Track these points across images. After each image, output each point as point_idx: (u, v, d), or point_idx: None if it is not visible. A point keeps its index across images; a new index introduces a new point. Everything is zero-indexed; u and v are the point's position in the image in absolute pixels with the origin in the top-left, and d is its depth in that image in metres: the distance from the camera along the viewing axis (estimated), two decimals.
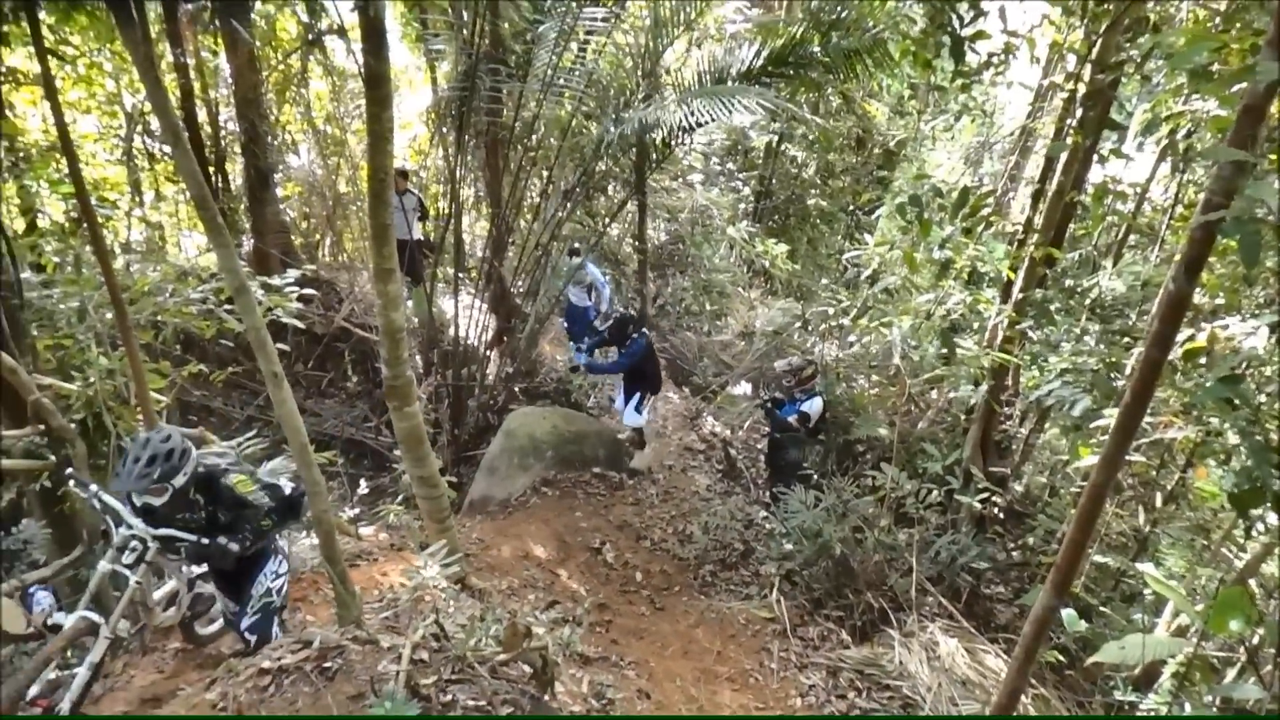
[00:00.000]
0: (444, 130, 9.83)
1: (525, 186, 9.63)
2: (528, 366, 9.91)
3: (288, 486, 4.04)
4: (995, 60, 5.38)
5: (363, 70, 4.44)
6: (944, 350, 6.10)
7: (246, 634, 4.02)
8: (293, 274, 6.43)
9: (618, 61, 9.95)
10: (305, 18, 11.31)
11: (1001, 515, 6.98)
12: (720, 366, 12.01)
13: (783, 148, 15.05)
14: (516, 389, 9.64)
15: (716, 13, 12.87)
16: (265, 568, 4.09)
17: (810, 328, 10.43)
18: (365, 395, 10.91)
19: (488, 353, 9.76)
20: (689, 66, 12.53)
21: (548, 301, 9.62)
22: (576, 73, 8.42)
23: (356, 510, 8.05)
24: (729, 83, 7.99)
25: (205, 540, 3.83)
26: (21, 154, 9.12)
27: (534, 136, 9.37)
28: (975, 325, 6.87)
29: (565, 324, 10.32)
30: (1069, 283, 6.58)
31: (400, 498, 7.89)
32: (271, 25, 11.91)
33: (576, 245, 9.79)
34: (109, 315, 5.02)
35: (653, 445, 8.89)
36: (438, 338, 9.74)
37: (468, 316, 9.47)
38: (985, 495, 6.25)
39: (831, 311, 9.17)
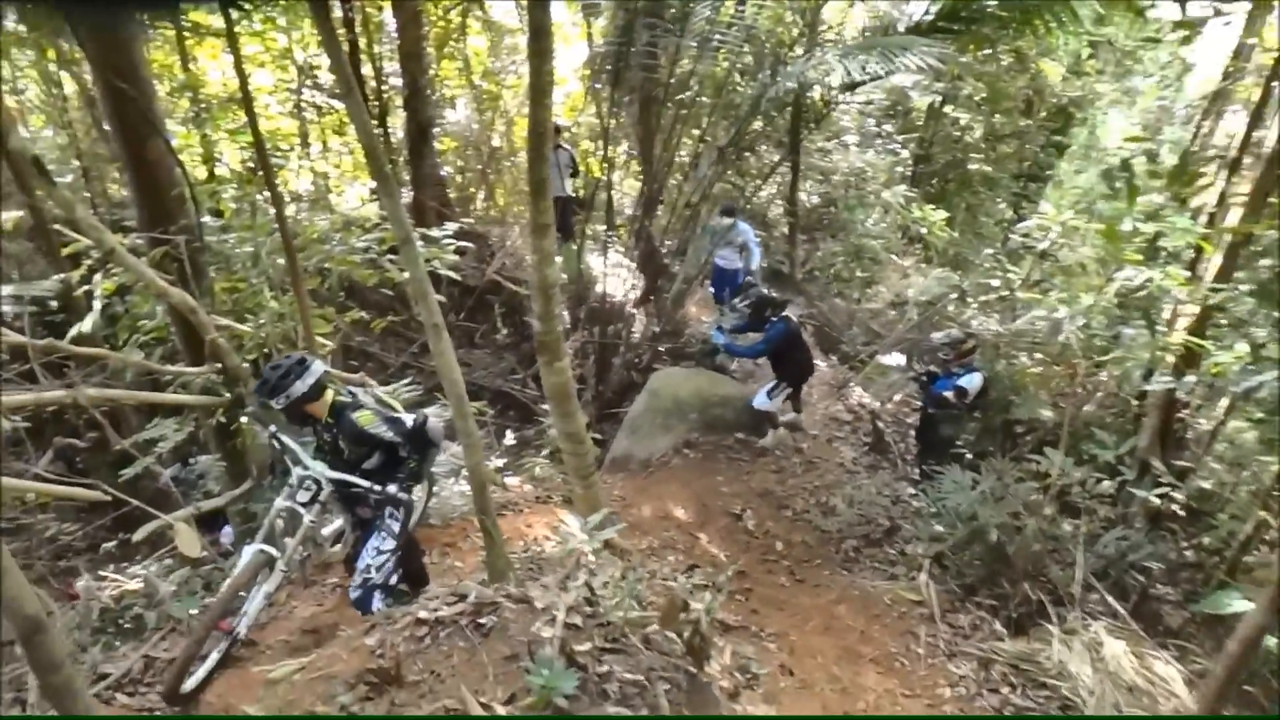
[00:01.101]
0: (598, 87, 9.78)
1: (677, 145, 9.48)
2: (673, 327, 9.82)
3: (408, 419, 4.04)
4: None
5: (525, 21, 4.38)
6: (1118, 331, 5.63)
7: (352, 604, 4.09)
8: (451, 227, 6.54)
9: (778, 16, 9.63)
10: None
11: (1179, 512, 6.45)
12: (870, 335, 11.61)
13: (945, 109, 14.32)
14: (661, 349, 9.59)
15: None
16: (369, 542, 4.11)
17: (969, 299, 9.92)
18: (514, 348, 11.10)
19: (634, 311, 9.72)
20: (851, 21, 12.05)
21: (696, 262, 9.48)
22: (735, 28, 8.17)
23: (503, 461, 8.19)
24: (894, 38, 7.58)
25: (374, 487, 3.93)
26: (203, 105, 9.65)
27: (688, 94, 9.20)
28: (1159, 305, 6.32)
29: (712, 288, 10.03)
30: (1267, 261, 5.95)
31: (545, 451, 7.97)
32: None
33: (730, 204, 9.47)
34: (280, 261, 5.19)
35: (782, 431, 8.58)
36: (586, 294, 9.77)
37: (615, 274, 9.44)
38: (1164, 490, 5.76)
39: (996, 284, 8.68)
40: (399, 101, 11.67)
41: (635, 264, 9.64)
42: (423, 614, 2.55)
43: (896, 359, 10.53)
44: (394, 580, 4.00)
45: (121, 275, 5.00)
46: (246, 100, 4.37)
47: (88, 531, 5.78)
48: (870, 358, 10.54)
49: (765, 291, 8.09)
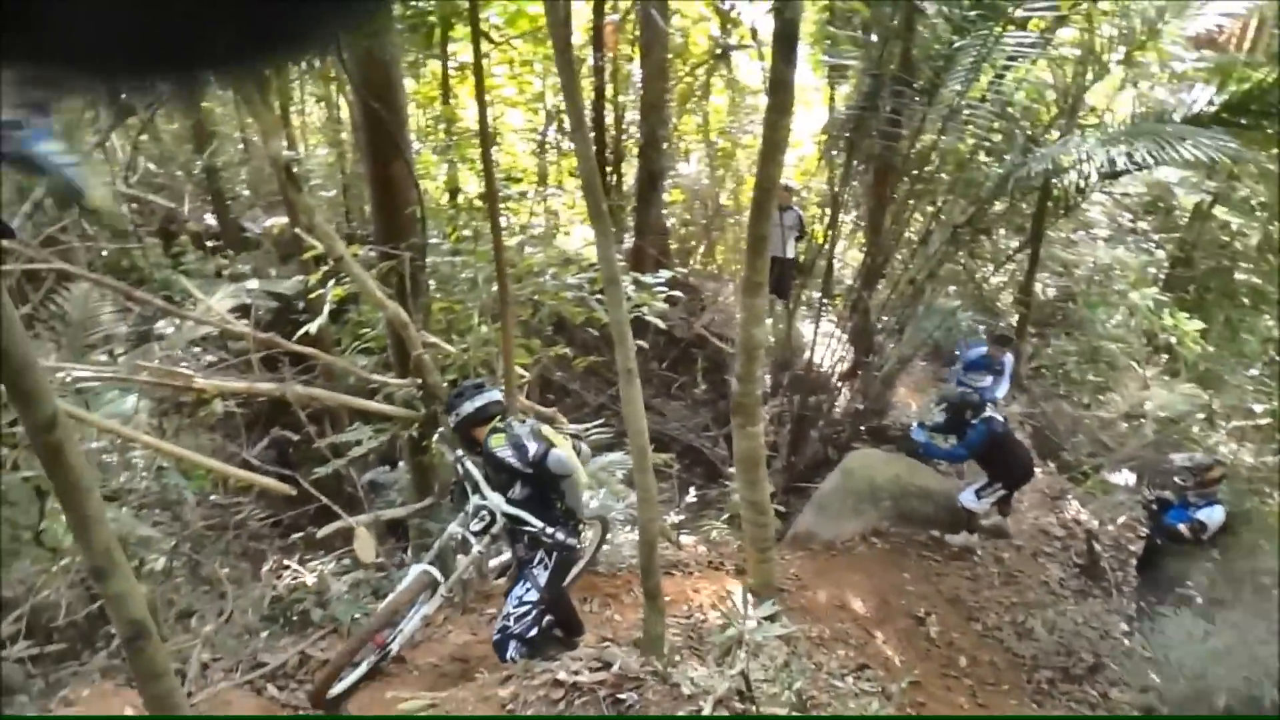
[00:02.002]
0: (833, 152, 9.57)
1: (908, 219, 9.08)
2: (879, 407, 9.34)
3: (532, 447, 3.91)
4: None
5: (768, 74, 4.28)
6: None
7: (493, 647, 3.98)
8: (664, 274, 6.50)
9: (1036, 93, 9.08)
10: (717, 31, 11.61)
11: None
12: (1097, 447, 10.56)
13: (1215, 210, 13.01)
14: (863, 428, 9.13)
15: (1162, 46, 11.36)
16: (514, 590, 4.02)
17: (1219, 422, 8.82)
18: (710, 405, 10.95)
19: (839, 385, 9.34)
20: (1119, 106, 11.22)
21: (913, 342, 8.99)
22: (987, 102, 7.74)
23: (681, 518, 8.02)
24: (1167, 126, 6.91)
25: (547, 528, 3.86)
26: (455, 137, 10.26)
27: (927, 168, 8.81)
28: None
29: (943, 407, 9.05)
30: None
31: (726, 515, 7.72)
32: (685, 37, 12.38)
33: (1006, 332, 8.73)
34: (494, 289, 5.30)
35: (977, 536, 7.85)
36: (791, 361, 9.49)
37: (825, 344, 9.11)
38: None
39: (1258, 409, 7.68)
40: (635, 150, 11.96)
41: (847, 336, 9.27)
42: (562, 675, 2.39)
43: (1125, 477, 9.51)
44: (533, 633, 3.87)
45: (351, 284, 5.27)
46: (482, 131, 4.50)
47: (281, 520, 6.10)
48: (1095, 471, 9.58)
49: (964, 393, 7.54)
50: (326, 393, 4.82)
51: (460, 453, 4.11)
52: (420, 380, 4.79)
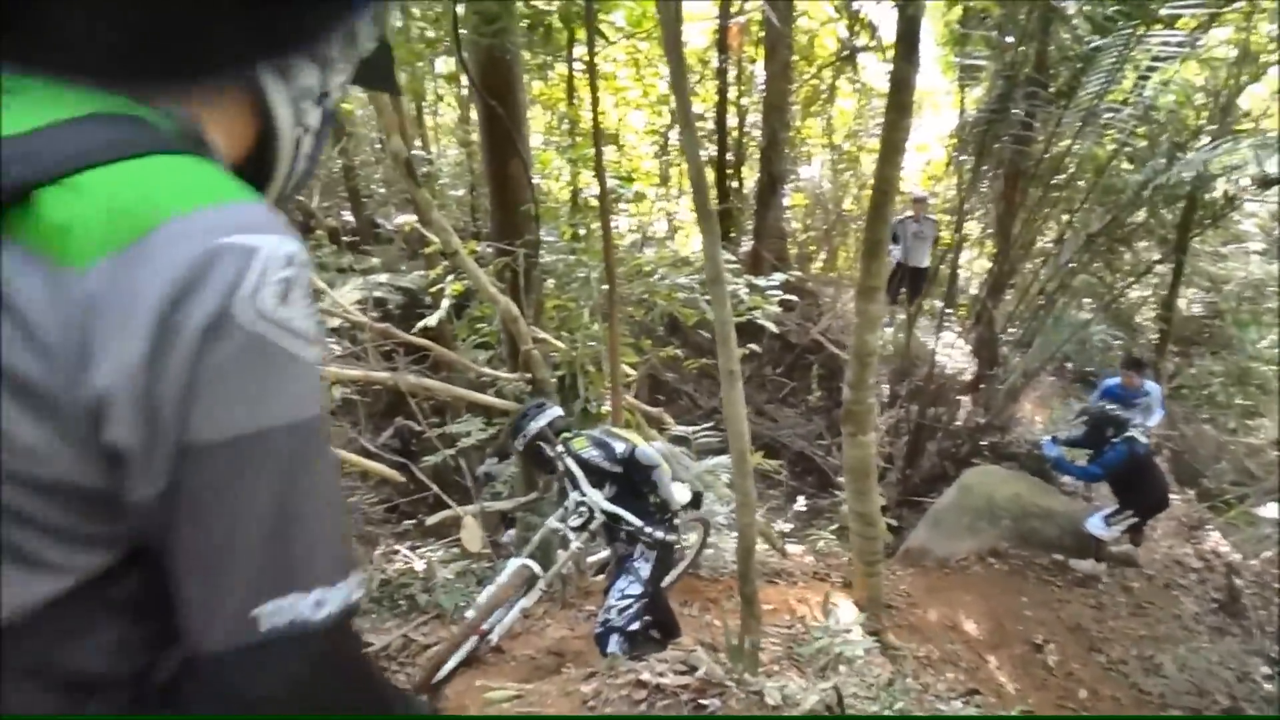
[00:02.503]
0: (962, 157, 9.26)
1: (1040, 227, 8.69)
2: (1001, 422, 8.97)
3: (618, 445, 3.89)
4: None
5: (890, 73, 4.17)
6: None
7: (595, 640, 3.96)
8: (778, 277, 6.42)
9: (1185, 97, 8.55)
10: (844, 33, 11.39)
11: None
12: (1242, 475, 9.86)
13: None
14: (983, 443, 8.78)
15: None
16: (616, 583, 3.98)
17: None
18: (824, 412, 10.74)
19: (960, 397, 9.01)
20: (1276, 110, 10.45)
21: (1040, 355, 8.59)
22: (1129, 105, 7.32)
23: (789, 525, 7.88)
24: None
25: (645, 526, 3.85)
26: (579, 137, 10.40)
27: (1061, 174, 8.41)
28: None
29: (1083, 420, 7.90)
30: None
31: (835, 526, 7.56)
32: (811, 40, 12.20)
33: (1140, 356, 8.14)
34: (605, 287, 5.34)
35: (1104, 566, 7.39)
36: (912, 370, 9.22)
37: (948, 355, 8.82)
38: None
39: None
40: (757, 153, 11.86)
41: (970, 346, 8.94)
42: (646, 676, 2.36)
43: (1274, 510, 8.83)
44: (635, 626, 3.85)
45: (468, 278, 5.40)
46: (595, 132, 4.53)
47: (397, 506, 6.30)
48: (1239, 502, 8.93)
49: (1108, 409, 7.07)
50: (437, 383, 4.94)
51: (560, 448, 4.13)
52: (530, 375, 4.86)
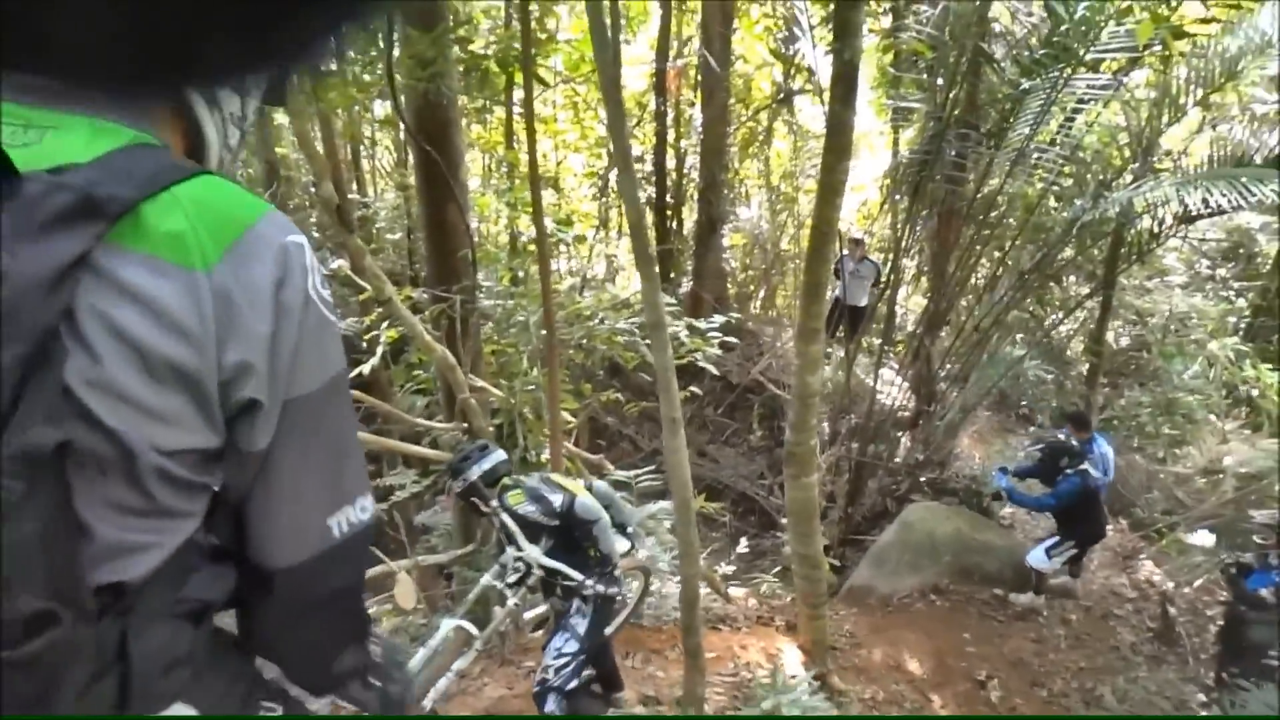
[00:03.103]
0: (897, 197, 9.42)
1: (974, 265, 8.83)
2: (940, 458, 9.04)
3: (556, 498, 3.75)
4: None
5: (827, 117, 4.19)
6: None
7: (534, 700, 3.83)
8: (718, 319, 6.40)
9: (1109, 137, 8.81)
10: (779, 77, 11.58)
11: None
12: (1172, 504, 10.05)
13: None
14: (923, 479, 8.83)
15: (1242, 88, 10.96)
16: (552, 641, 3.86)
17: None
18: (766, 452, 10.73)
19: (900, 434, 9.07)
20: (1196, 149, 10.85)
21: (976, 391, 8.70)
22: (1057, 146, 7.52)
23: (732, 568, 7.81)
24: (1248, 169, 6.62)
25: (586, 580, 3.72)
26: (518, 180, 10.34)
27: (993, 213, 8.58)
28: None
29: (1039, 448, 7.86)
30: None
31: (778, 568, 7.51)
32: (748, 83, 12.38)
33: (1081, 414, 7.96)
34: (544, 332, 5.26)
35: (1043, 599, 7.43)
36: (851, 408, 9.27)
37: (887, 392, 8.87)
38: None
39: None
40: (696, 194, 11.94)
41: (908, 384, 9.02)
42: None
43: (1204, 538, 9.00)
44: (573, 685, 3.72)
45: (402, 325, 5.26)
46: (532, 173, 4.46)
47: None
48: (1170, 530, 9.10)
49: (1064, 439, 7.13)
50: (369, 436, 4.78)
51: (495, 504, 4.00)
52: (466, 424, 4.73)
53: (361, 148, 13.80)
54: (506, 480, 3.86)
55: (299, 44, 0.89)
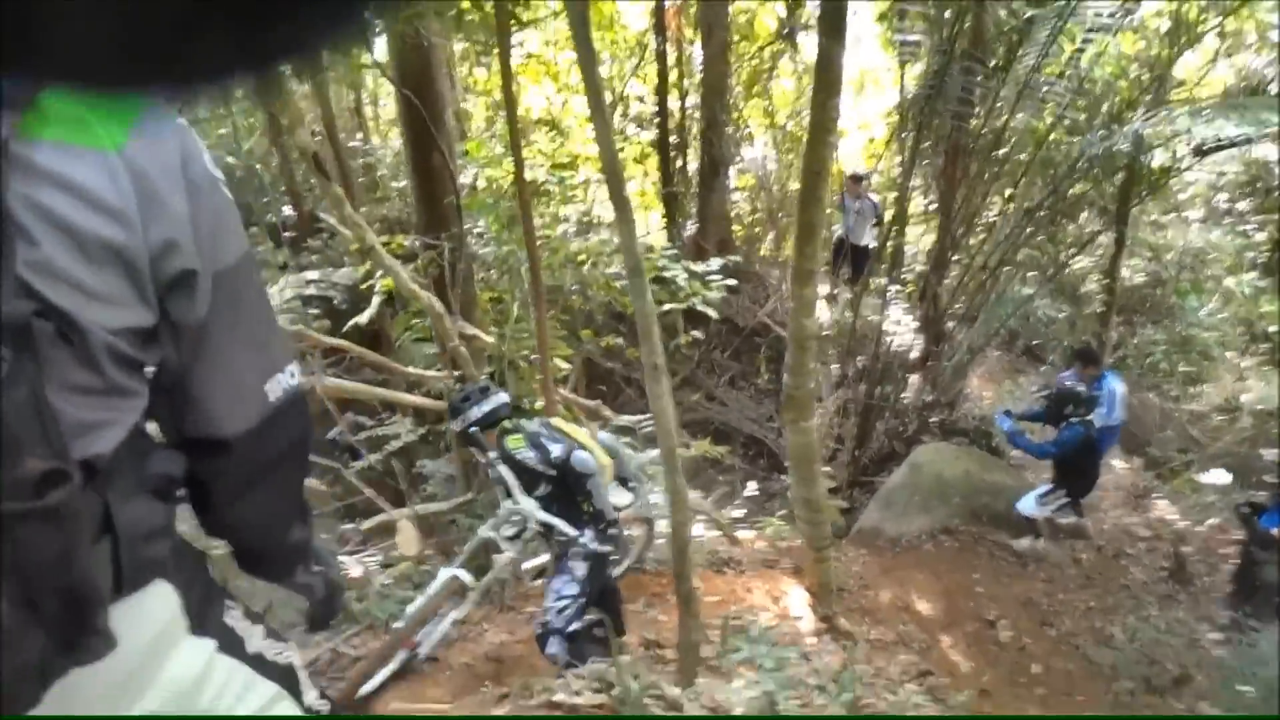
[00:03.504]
0: (903, 134, 9.21)
1: (982, 202, 8.66)
2: (949, 398, 8.97)
3: (555, 448, 3.72)
4: None
5: (816, 53, 4.06)
6: None
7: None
8: (716, 263, 6.32)
9: (1120, 69, 8.56)
10: (783, 12, 11.28)
11: None
12: (1187, 442, 9.97)
13: None
14: (931, 420, 8.77)
15: (1259, 17, 10.58)
16: (551, 584, 3.84)
17: None
18: (773, 394, 10.67)
19: (908, 375, 8.99)
20: (1210, 81, 10.53)
21: (985, 331, 8.58)
22: (1066, 78, 7.30)
23: (741, 512, 7.80)
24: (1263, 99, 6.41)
25: (574, 535, 3.71)
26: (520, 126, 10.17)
27: (1001, 148, 8.38)
28: None
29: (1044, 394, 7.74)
30: None
31: (784, 511, 7.49)
32: (750, 20, 12.08)
33: (1090, 350, 7.89)
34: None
35: (1043, 543, 7.36)
36: (858, 350, 9.19)
37: (894, 333, 8.78)
38: None
39: None
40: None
41: (917, 324, 8.91)
42: (560, 695, 2.24)
43: (1218, 476, 8.92)
44: (574, 627, 3.72)
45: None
46: (510, 115, 4.36)
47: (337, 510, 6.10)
48: (1184, 469, 9.03)
49: (1071, 386, 6.95)
50: (359, 385, 4.77)
51: (493, 455, 3.98)
52: (458, 372, 4.70)
53: (363, 94, 13.63)
54: (506, 424, 3.82)
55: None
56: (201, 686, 0.98)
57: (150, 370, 0.91)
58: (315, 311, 7.19)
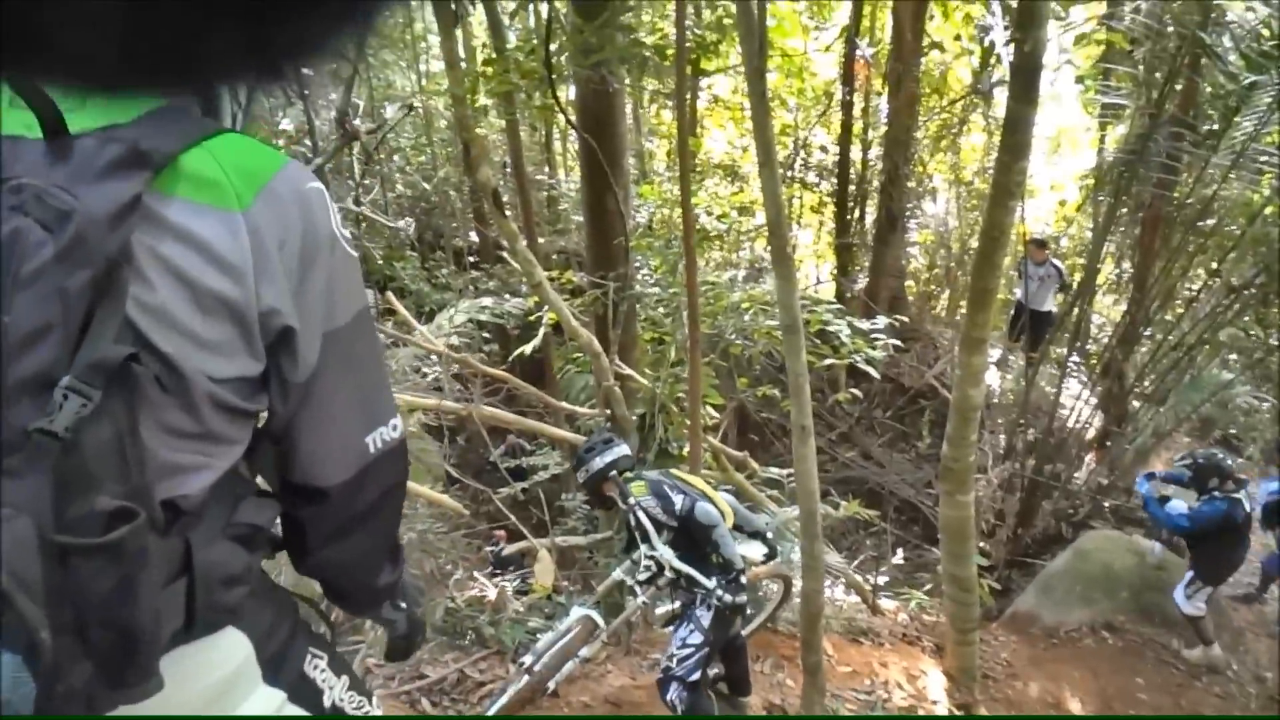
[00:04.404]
0: (1099, 198, 8.70)
1: (1183, 275, 8.04)
2: (1127, 484, 8.32)
3: (678, 500, 3.64)
4: None
5: (1005, 112, 3.91)
6: None
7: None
8: (881, 321, 6.14)
9: None
10: (978, 66, 10.95)
11: None
12: None
13: None
14: (1106, 504, 8.17)
15: None
16: (677, 632, 3.77)
17: None
18: (934, 460, 10.21)
19: (1082, 454, 8.42)
20: None
21: (1175, 415, 7.94)
22: None
23: (885, 579, 7.49)
24: None
25: (711, 587, 3.66)
26: (697, 169, 10.31)
27: (1207, 220, 7.76)
28: None
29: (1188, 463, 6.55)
30: None
31: (932, 585, 7.15)
32: (943, 74, 11.80)
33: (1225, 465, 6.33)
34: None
35: (1215, 650, 6.57)
36: (1030, 422, 8.69)
37: (1072, 408, 8.25)
38: None
39: None
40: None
41: (1097, 401, 8.35)
42: None
43: None
44: (695, 677, 3.66)
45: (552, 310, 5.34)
46: (682, 161, 4.40)
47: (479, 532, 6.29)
48: None
49: (1221, 457, 6.20)
50: (511, 415, 4.91)
51: (632, 500, 3.99)
52: (609, 411, 4.76)
53: (555, 130, 14.16)
54: (628, 474, 3.83)
55: (299, 41, 0.96)
56: None
57: (260, 414, 0.97)
58: (487, 335, 7.47)
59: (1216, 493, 5.96)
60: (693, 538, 3.69)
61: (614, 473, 3.81)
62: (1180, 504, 6.19)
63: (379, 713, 1.22)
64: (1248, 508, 6.02)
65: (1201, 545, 6.18)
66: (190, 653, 0.93)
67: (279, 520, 1.07)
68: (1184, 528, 6.15)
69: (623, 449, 3.85)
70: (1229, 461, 6.22)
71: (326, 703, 1.12)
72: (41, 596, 0.73)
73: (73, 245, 0.77)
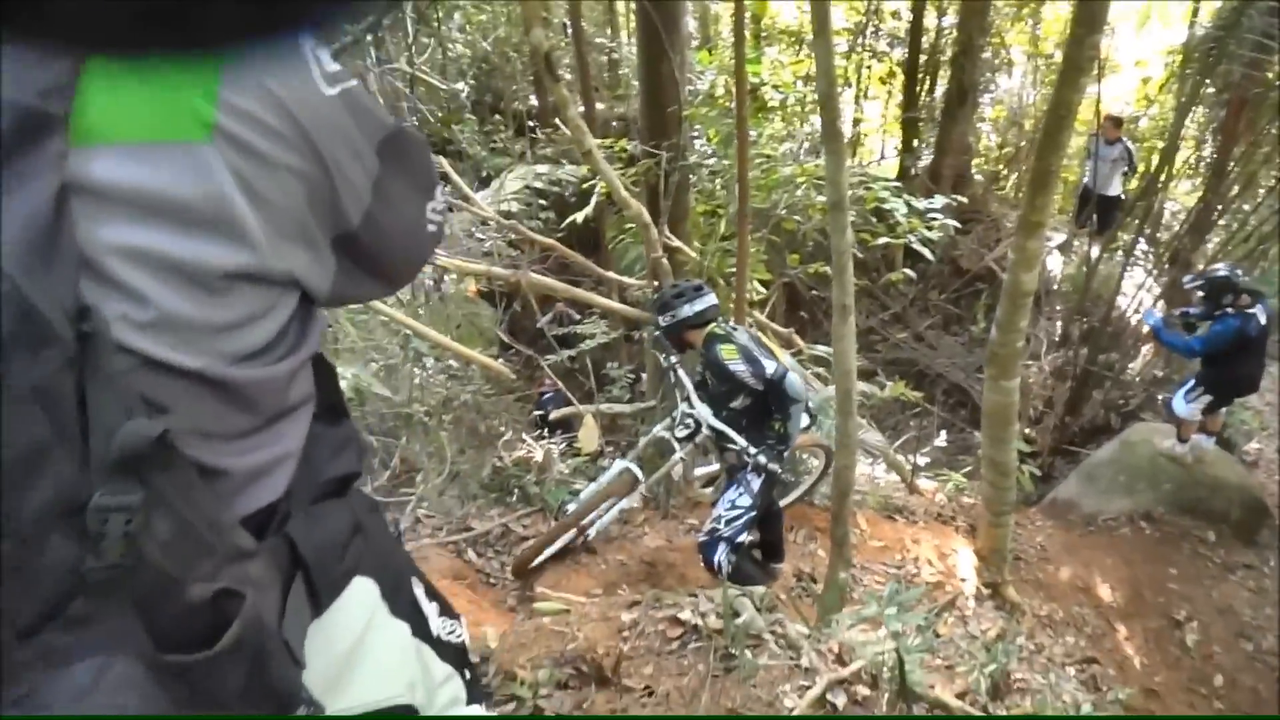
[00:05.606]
0: (1185, 75, 8.21)
1: (1264, 163, 7.63)
2: (1184, 378, 8.18)
3: (769, 365, 3.59)
4: None
5: None
6: None
7: (698, 548, 3.89)
8: (939, 200, 5.99)
9: None
10: None
11: None
12: None
13: None
14: (1160, 398, 8.06)
15: None
16: (727, 493, 3.85)
17: None
18: (986, 344, 10.16)
19: (1139, 345, 8.26)
20: None
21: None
22: None
23: (926, 460, 7.56)
24: None
25: (750, 448, 3.72)
26: (764, 35, 9.92)
27: None
28: None
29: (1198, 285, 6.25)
30: None
31: (972, 468, 7.21)
32: None
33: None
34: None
35: (1190, 447, 6.59)
36: (1089, 309, 8.50)
37: (1133, 296, 8.04)
38: None
39: None
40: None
41: (1161, 291, 8.12)
42: (686, 614, 2.32)
43: None
44: (742, 538, 3.80)
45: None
46: (738, 25, 4.26)
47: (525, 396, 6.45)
48: None
49: (1229, 274, 5.92)
50: (559, 283, 4.95)
51: (674, 359, 4.06)
52: (656, 282, 4.79)
53: None
54: (717, 329, 3.79)
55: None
56: (399, 671, 0.98)
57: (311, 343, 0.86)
58: (543, 203, 7.45)
59: (1230, 309, 5.82)
60: (765, 405, 3.72)
61: (694, 323, 3.82)
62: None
63: (466, 635, 1.18)
64: (1263, 321, 5.83)
65: (1211, 362, 6.13)
66: (327, 619, 0.88)
67: None
68: (1196, 351, 6.10)
69: (712, 298, 3.85)
70: (1242, 276, 6.02)
71: (432, 630, 1.07)
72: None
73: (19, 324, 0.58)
